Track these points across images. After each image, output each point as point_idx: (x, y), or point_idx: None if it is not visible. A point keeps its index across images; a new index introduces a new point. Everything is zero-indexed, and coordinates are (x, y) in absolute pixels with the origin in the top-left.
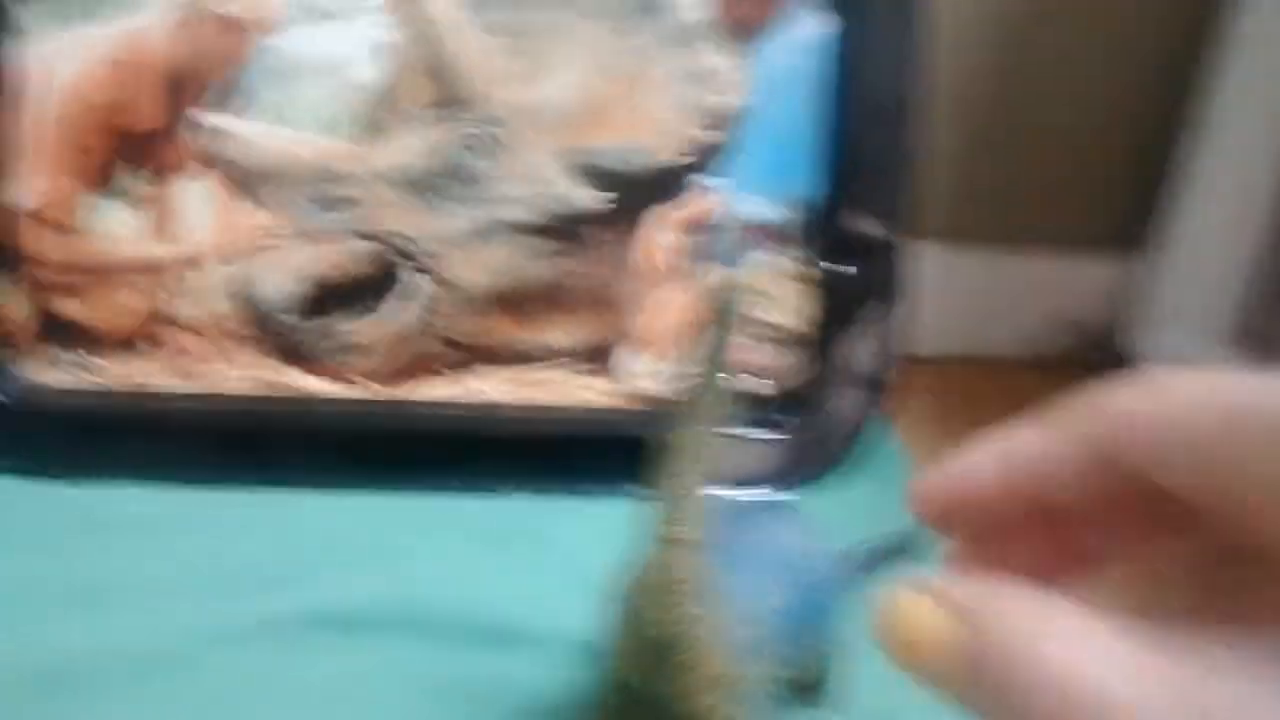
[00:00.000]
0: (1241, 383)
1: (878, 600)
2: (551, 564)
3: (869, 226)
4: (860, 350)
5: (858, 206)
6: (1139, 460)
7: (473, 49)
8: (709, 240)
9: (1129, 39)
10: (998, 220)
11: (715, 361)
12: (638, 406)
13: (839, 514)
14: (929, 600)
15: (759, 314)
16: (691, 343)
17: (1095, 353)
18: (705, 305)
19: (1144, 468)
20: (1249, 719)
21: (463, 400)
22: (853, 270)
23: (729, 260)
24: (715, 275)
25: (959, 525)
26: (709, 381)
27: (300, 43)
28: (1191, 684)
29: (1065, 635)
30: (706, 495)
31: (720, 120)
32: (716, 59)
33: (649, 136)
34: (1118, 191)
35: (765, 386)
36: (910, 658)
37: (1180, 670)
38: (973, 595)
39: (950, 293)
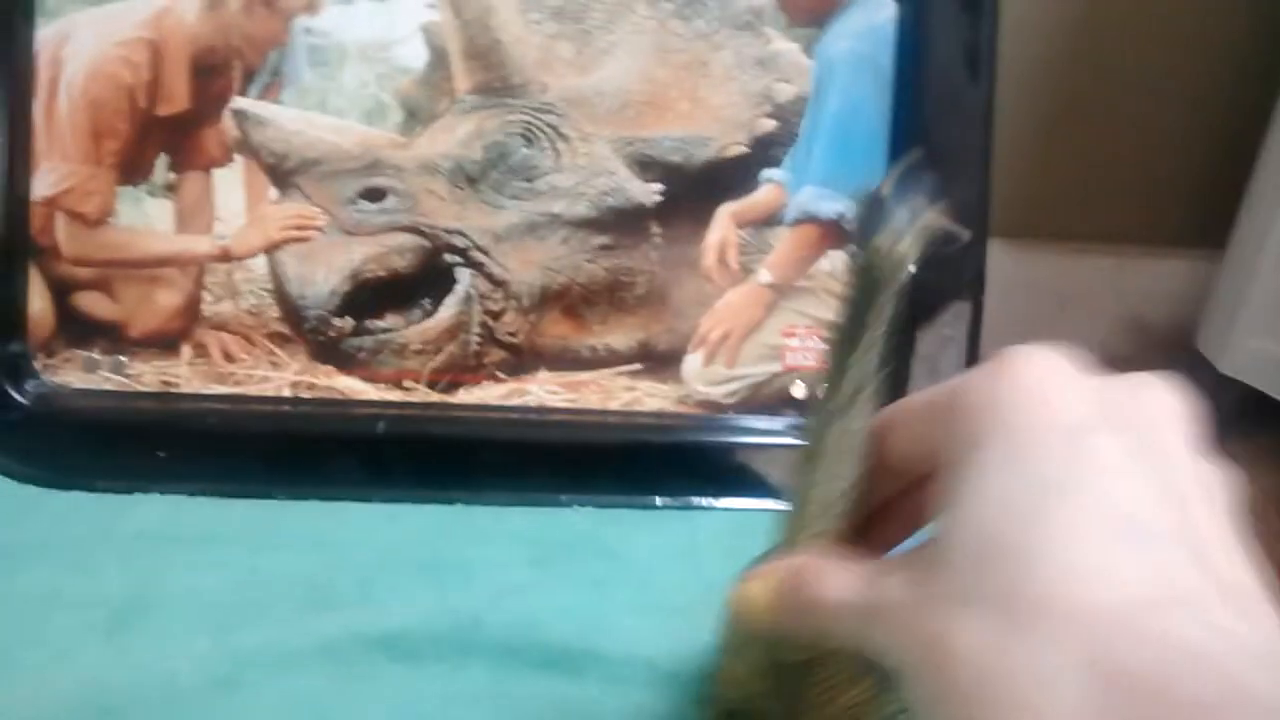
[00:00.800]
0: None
1: (729, 593)
2: (617, 580)
3: (945, 223)
4: (940, 352)
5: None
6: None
7: (524, 32)
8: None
9: (1208, 32)
10: (1068, 218)
11: (861, 344)
12: (702, 414)
13: None
14: (757, 581)
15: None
16: (832, 325)
17: (1168, 356)
18: (849, 282)
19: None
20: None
21: (516, 405)
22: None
23: (871, 228)
24: (858, 246)
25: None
26: (854, 369)
27: (341, 23)
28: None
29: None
30: (846, 498)
31: (786, 110)
32: (782, 44)
33: (712, 126)
34: (1193, 189)
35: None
36: (746, 620)
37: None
38: (781, 565)
39: (1019, 292)
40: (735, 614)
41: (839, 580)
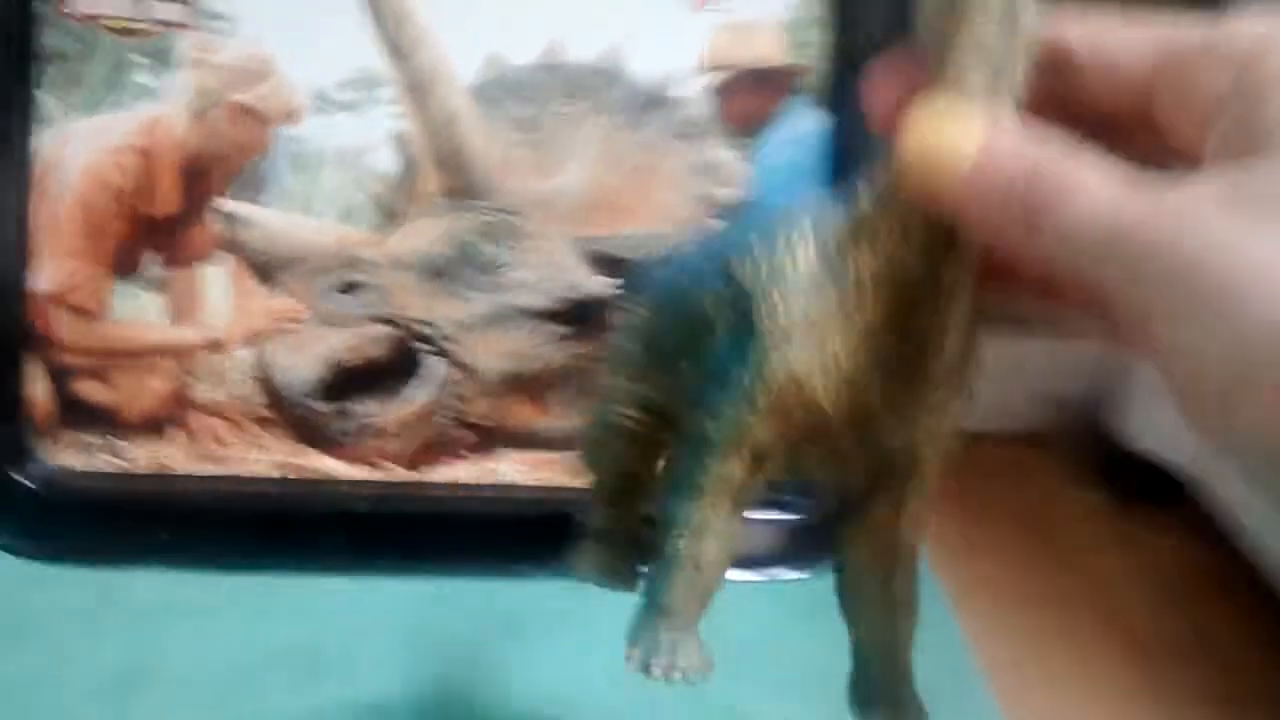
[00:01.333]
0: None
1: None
2: (589, 650)
3: None
4: None
5: None
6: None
7: (486, 140)
8: None
9: None
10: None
11: None
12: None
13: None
14: (969, 121)
15: None
16: None
17: (1079, 430)
18: None
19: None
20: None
21: (487, 483)
22: None
23: None
24: None
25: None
26: None
27: (320, 132)
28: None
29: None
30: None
31: (725, 210)
32: (721, 152)
33: (662, 225)
34: None
35: None
36: (921, 181)
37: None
38: (1005, 141)
39: None
40: (909, 167)
41: (1101, 188)
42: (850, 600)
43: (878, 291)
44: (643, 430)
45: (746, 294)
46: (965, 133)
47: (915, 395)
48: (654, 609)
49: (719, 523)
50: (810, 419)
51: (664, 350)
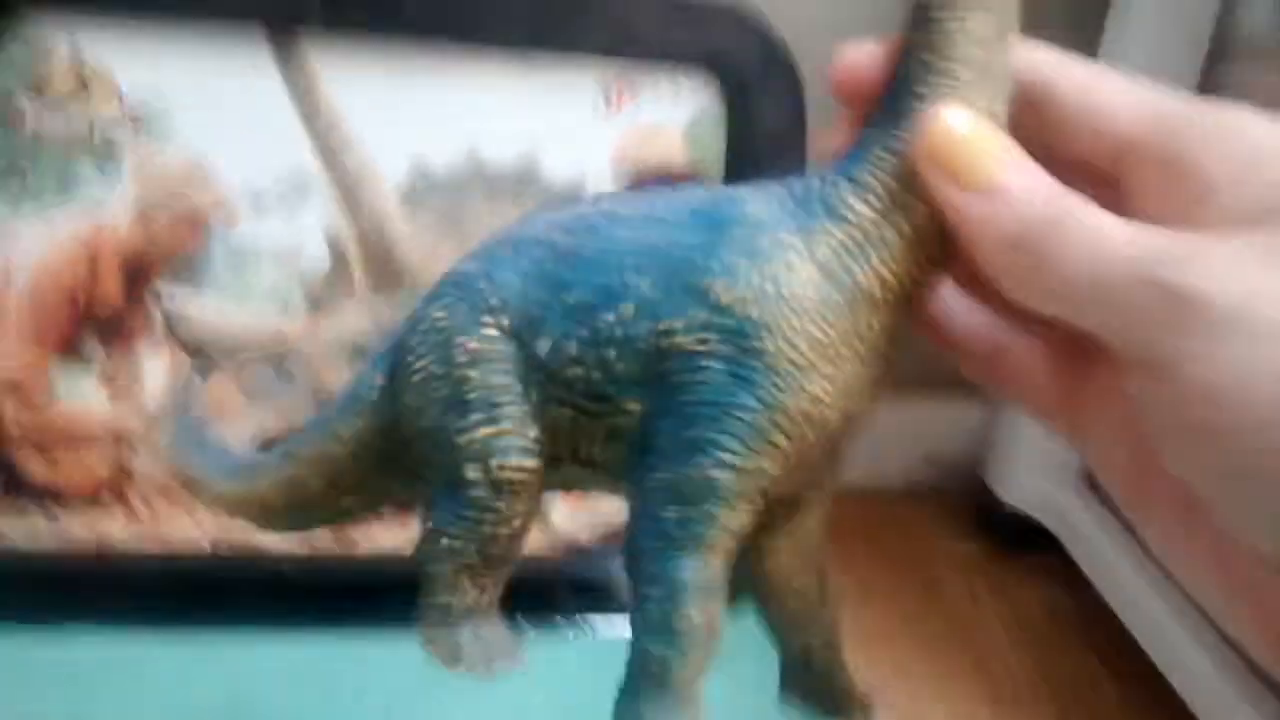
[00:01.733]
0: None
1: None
2: (516, 695)
3: None
4: None
5: None
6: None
7: (408, 233)
8: None
9: None
10: None
11: None
12: (568, 550)
13: (739, 641)
14: (992, 140)
15: None
16: None
17: (960, 486)
18: None
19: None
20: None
21: (401, 545)
22: None
23: None
24: None
25: (861, 103)
26: None
27: (256, 232)
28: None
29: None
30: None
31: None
32: None
33: None
34: None
35: None
36: (953, 180)
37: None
38: (1020, 169)
39: None
40: (929, 173)
41: (1105, 231)
42: (776, 609)
43: (879, 303)
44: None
45: (747, 323)
46: (988, 151)
47: (879, 394)
48: (658, 688)
49: (722, 577)
50: (816, 443)
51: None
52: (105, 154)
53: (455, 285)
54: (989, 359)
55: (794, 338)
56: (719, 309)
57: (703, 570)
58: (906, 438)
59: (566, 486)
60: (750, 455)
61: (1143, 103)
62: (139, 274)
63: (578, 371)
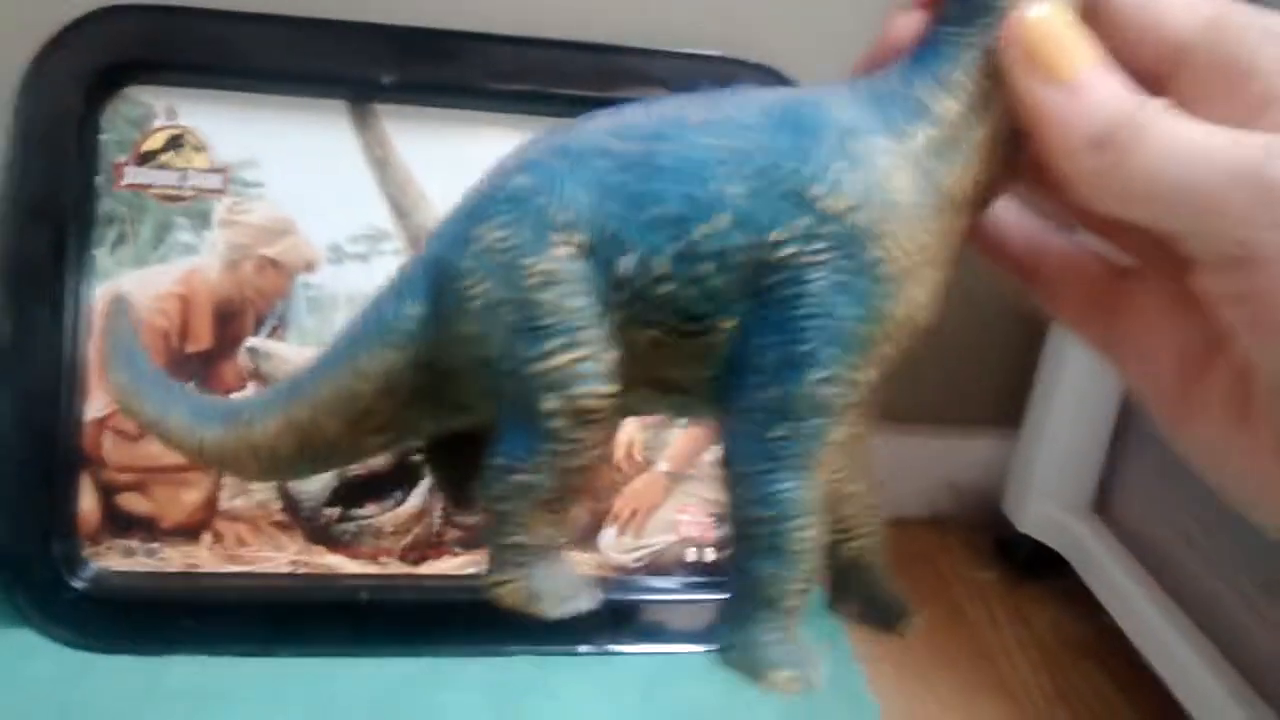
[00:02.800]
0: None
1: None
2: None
3: None
4: None
5: None
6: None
7: None
8: None
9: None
10: (895, 403)
11: None
12: (616, 575)
13: None
14: (1077, 35)
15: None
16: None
17: (980, 515)
18: None
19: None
20: None
21: (471, 573)
22: None
23: None
24: None
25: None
26: None
27: (333, 278)
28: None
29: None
30: None
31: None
32: None
33: None
34: (996, 379)
35: (710, 553)
36: (1040, 69)
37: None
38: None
39: None
40: (1017, 65)
41: (1195, 131)
42: (831, 514)
43: (963, 205)
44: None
45: (855, 230)
46: (1075, 47)
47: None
48: (770, 610)
49: (821, 493)
50: (908, 347)
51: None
52: (198, 209)
53: (511, 201)
54: (1031, 267)
55: (900, 243)
56: (824, 217)
57: (812, 487)
58: (928, 468)
59: (632, 412)
60: (861, 367)
61: (1197, 6)
62: (228, 317)
63: (668, 289)
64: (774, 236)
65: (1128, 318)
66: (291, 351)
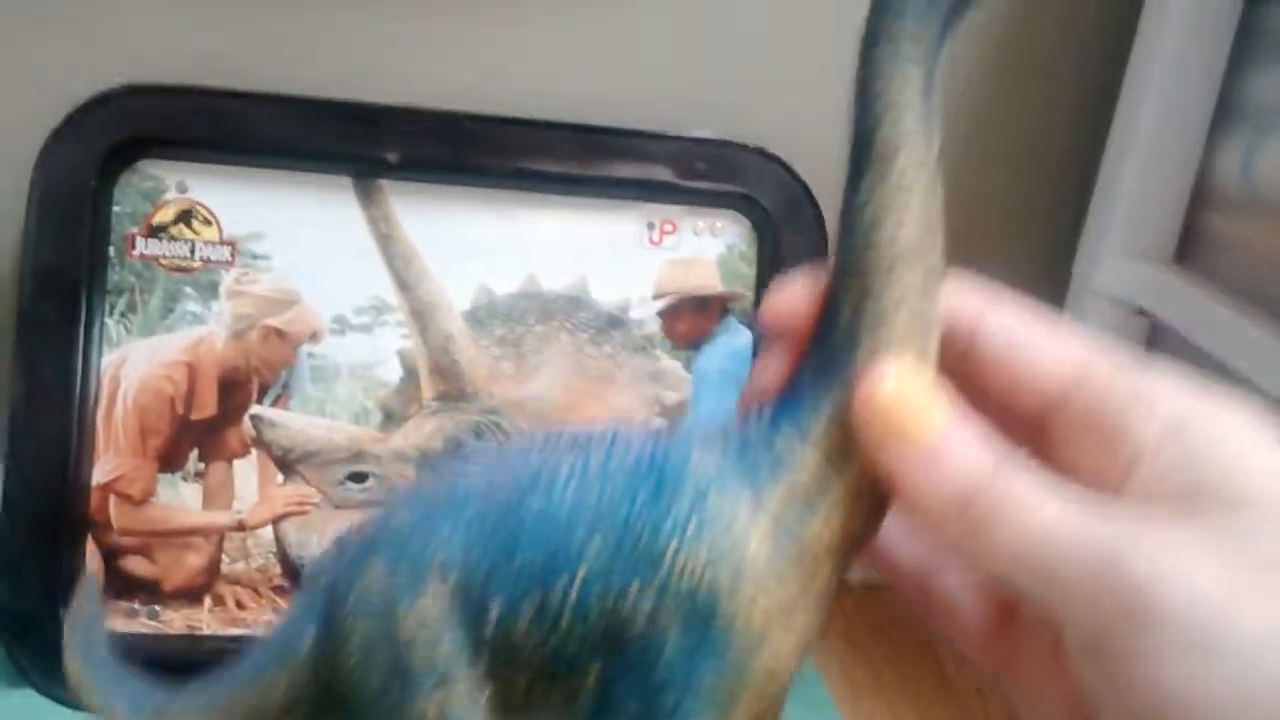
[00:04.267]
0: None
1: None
2: None
3: None
4: None
5: None
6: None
7: (475, 355)
8: None
9: None
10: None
11: None
12: None
13: None
14: (932, 397)
15: None
16: None
17: None
18: None
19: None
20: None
21: None
22: None
23: None
24: None
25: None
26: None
27: (337, 349)
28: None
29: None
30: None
31: (672, 410)
32: (668, 363)
33: (617, 423)
34: None
35: None
36: (895, 438)
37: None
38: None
39: None
40: (870, 428)
41: (1049, 509)
42: None
43: (829, 552)
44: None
45: (705, 587)
46: (927, 410)
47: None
48: None
49: None
50: (775, 694)
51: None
52: (206, 280)
53: (394, 538)
54: (921, 590)
55: (756, 601)
56: (679, 574)
57: None
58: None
59: None
60: (717, 718)
61: (1068, 358)
62: (233, 386)
63: (531, 638)
64: (631, 592)
65: (1017, 654)
66: (294, 419)
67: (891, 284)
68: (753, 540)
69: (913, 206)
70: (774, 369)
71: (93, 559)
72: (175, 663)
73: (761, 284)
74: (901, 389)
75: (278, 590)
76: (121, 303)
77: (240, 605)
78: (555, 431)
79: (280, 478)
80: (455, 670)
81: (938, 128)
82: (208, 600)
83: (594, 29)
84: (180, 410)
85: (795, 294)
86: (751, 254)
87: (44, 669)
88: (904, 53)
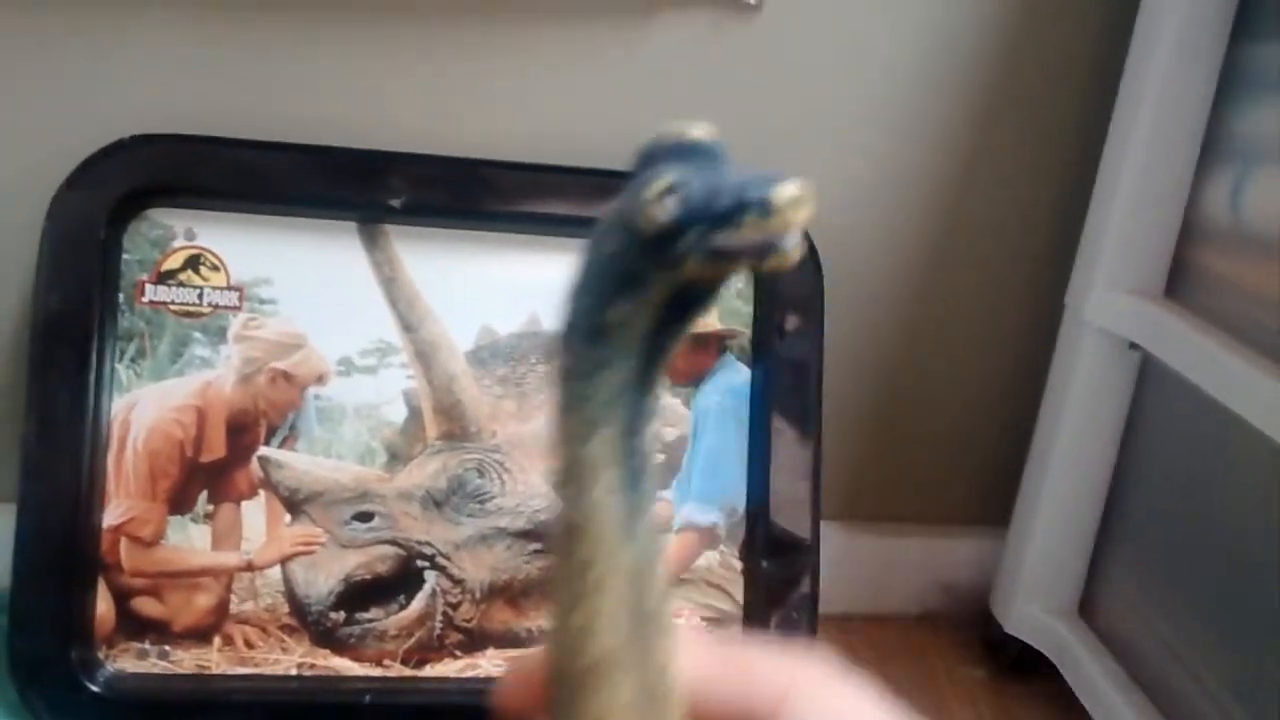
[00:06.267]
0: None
1: None
2: None
3: (789, 529)
4: (785, 627)
5: (779, 514)
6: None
7: (477, 394)
8: None
9: (982, 385)
10: (887, 504)
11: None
12: None
13: None
14: None
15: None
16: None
17: (969, 614)
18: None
19: None
20: None
21: (470, 676)
22: (776, 564)
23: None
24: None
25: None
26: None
27: (342, 391)
28: None
29: None
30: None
31: (672, 446)
32: (667, 398)
33: None
34: (984, 482)
35: None
36: None
37: None
38: None
39: (851, 562)
40: None
41: None
42: None
43: None
44: None
45: None
46: None
47: None
48: None
49: None
50: None
51: None
52: (214, 324)
53: None
54: None
55: None
56: None
57: None
58: (919, 567)
59: None
60: None
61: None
62: (241, 428)
63: None
64: None
65: None
66: (300, 459)
67: (583, 702)
68: None
69: (604, 610)
70: None
71: (104, 601)
72: (185, 703)
73: (759, 321)
74: None
75: (285, 629)
76: (131, 348)
77: (249, 644)
78: None
79: (288, 518)
80: None
81: (649, 504)
82: (217, 640)
83: (594, 76)
84: (189, 453)
85: (523, 685)
86: (748, 291)
87: (58, 709)
88: (592, 396)
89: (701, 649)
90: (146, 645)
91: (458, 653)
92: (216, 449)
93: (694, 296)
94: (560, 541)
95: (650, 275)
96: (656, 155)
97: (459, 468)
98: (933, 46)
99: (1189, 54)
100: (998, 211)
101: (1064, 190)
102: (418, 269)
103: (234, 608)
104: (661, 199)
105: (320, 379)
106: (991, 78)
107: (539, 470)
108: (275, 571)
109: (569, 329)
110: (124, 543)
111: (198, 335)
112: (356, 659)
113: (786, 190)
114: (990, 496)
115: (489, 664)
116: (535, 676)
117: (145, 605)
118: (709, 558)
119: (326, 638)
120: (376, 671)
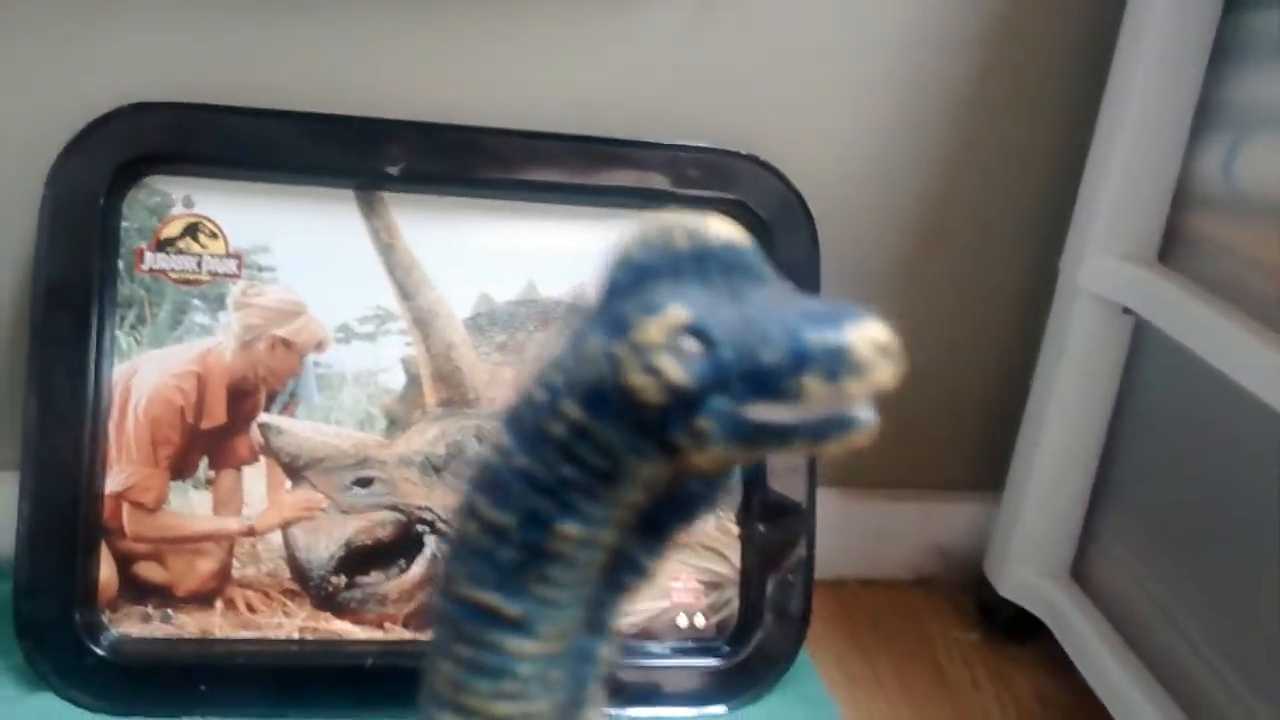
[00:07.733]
0: None
1: None
2: None
3: (785, 494)
4: (781, 591)
5: (775, 479)
6: None
7: (475, 361)
8: None
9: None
10: (883, 469)
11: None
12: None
13: None
14: None
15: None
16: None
17: (964, 578)
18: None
19: None
20: None
21: None
22: (772, 528)
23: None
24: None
25: None
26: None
27: (342, 358)
28: None
29: None
30: None
31: None
32: None
33: None
34: (979, 446)
35: (704, 621)
36: None
37: None
38: None
39: (845, 529)
40: None
41: None
42: None
43: None
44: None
45: None
46: None
47: None
48: None
49: None
50: None
51: None
52: (214, 292)
53: None
54: None
55: None
56: None
57: None
58: (914, 532)
59: None
60: None
61: None
62: (241, 395)
63: None
64: None
65: None
66: (301, 426)
67: None
68: None
69: None
70: None
71: (106, 566)
72: (188, 666)
73: None
74: None
75: (287, 594)
76: (131, 315)
77: (251, 609)
78: None
79: (288, 484)
80: None
81: None
82: (219, 604)
83: (591, 43)
84: (190, 419)
85: None
86: None
87: (63, 673)
88: (514, 665)
89: None
90: (150, 609)
91: None
92: (217, 415)
93: (685, 498)
94: None
95: (632, 465)
96: (647, 267)
97: (458, 434)
98: (925, 15)
99: (1183, 20)
100: (992, 178)
101: (1058, 156)
102: (416, 236)
103: (236, 572)
104: (675, 346)
105: (319, 346)
106: (985, 45)
107: None
108: (276, 536)
109: (480, 559)
110: (126, 508)
111: (197, 303)
112: (358, 622)
113: (865, 334)
114: (984, 461)
115: None
116: None
117: (148, 570)
118: (706, 522)
119: (328, 602)
120: (377, 635)
